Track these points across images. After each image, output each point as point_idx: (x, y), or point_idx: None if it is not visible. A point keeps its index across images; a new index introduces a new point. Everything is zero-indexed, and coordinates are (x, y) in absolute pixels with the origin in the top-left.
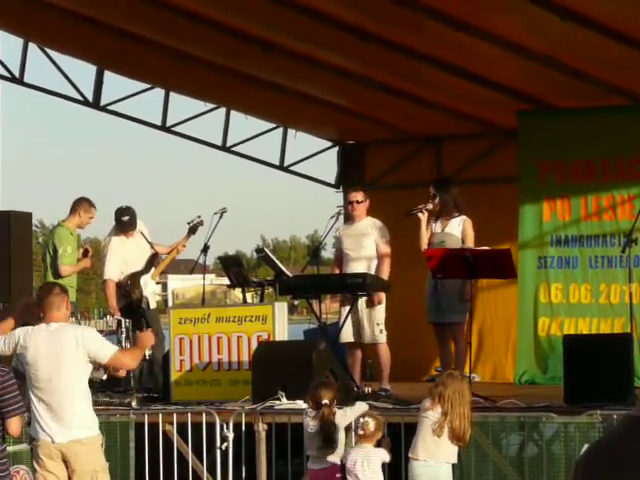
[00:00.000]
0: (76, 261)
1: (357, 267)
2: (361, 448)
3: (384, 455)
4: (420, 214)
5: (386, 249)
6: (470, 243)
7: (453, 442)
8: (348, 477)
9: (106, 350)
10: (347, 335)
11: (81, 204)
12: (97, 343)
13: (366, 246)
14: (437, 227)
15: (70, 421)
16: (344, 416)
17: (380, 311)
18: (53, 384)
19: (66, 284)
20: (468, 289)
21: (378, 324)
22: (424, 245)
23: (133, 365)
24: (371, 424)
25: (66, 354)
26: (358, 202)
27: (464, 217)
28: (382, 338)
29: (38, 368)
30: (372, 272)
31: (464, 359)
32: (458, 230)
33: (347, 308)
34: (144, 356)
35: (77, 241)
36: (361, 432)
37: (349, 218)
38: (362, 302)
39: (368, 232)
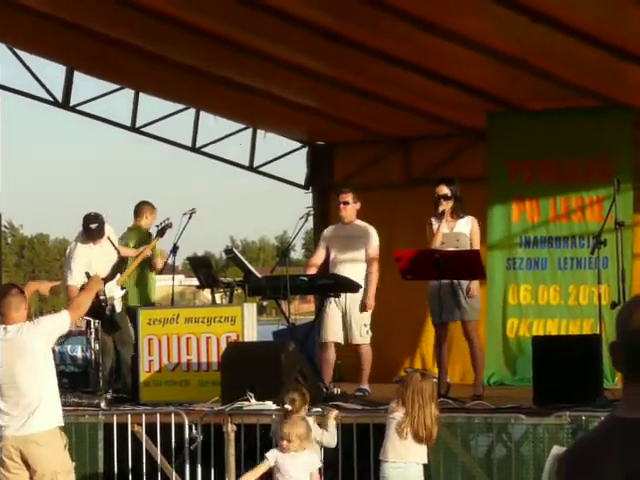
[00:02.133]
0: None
1: (344, 269)
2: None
3: (315, 462)
4: (442, 217)
5: (375, 253)
6: (477, 243)
7: (418, 442)
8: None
9: (59, 315)
10: (336, 335)
11: (145, 207)
12: (49, 318)
13: (355, 249)
14: (445, 228)
15: (28, 415)
16: (320, 434)
17: (368, 312)
18: (14, 381)
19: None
20: (476, 285)
21: (365, 325)
22: (435, 245)
23: (88, 301)
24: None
25: (27, 352)
26: (348, 203)
27: (471, 217)
28: (367, 339)
29: None
30: (361, 275)
31: (482, 357)
32: (467, 229)
33: (332, 307)
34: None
35: (147, 239)
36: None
37: (339, 220)
38: (349, 303)
39: (358, 235)
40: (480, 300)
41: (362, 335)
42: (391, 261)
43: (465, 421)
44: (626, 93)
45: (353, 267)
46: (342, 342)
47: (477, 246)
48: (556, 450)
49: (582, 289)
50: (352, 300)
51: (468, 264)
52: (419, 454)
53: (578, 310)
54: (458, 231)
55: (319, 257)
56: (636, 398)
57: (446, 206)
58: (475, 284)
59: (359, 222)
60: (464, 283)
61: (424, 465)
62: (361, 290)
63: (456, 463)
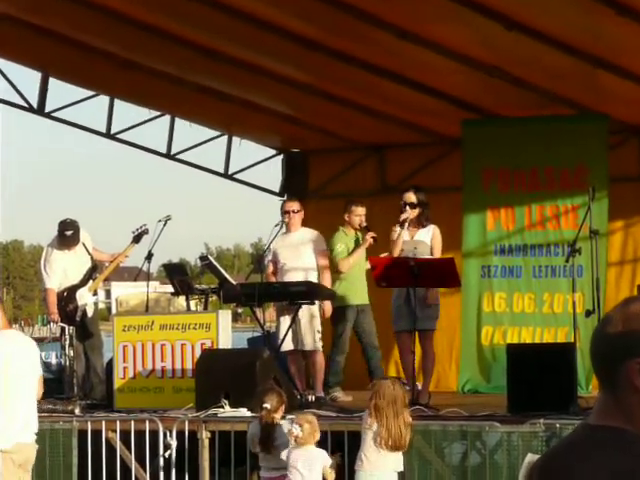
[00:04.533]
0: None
1: (294, 277)
2: (303, 449)
3: (326, 457)
4: (404, 223)
5: (324, 260)
6: (438, 251)
7: (393, 450)
8: (289, 475)
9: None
10: (287, 344)
11: (346, 206)
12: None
13: (304, 256)
14: (406, 235)
15: None
16: None
17: (319, 319)
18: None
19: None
20: (434, 293)
21: (318, 331)
22: (396, 253)
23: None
24: (305, 427)
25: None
26: (294, 212)
27: (433, 225)
28: (320, 346)
29: None
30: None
31: (432, 368)
32: (428, 238)
33: (286, 317)
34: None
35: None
36: (295, 436)
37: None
38: (302, 310)
39: (305, 242)
40: (439, 309)
41: (316, 342)
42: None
43: (439, 429)
44: (601, 101)
45: (303, 274)
46: (295, 349)
47: (438, 255)
48: (530, 458)
49: (557, 297)
50: (305, 307)
51: (443, 272)
52: (395, 463)
53: (552, 318)
54: (418, 239)
55: (272, 269)
56: (601, 404)
57: (412, 214)
58: (432, 293)
59: (305, 229)
60: (420, 292)
61: (399, 473)
62: None
63: (430, 471)
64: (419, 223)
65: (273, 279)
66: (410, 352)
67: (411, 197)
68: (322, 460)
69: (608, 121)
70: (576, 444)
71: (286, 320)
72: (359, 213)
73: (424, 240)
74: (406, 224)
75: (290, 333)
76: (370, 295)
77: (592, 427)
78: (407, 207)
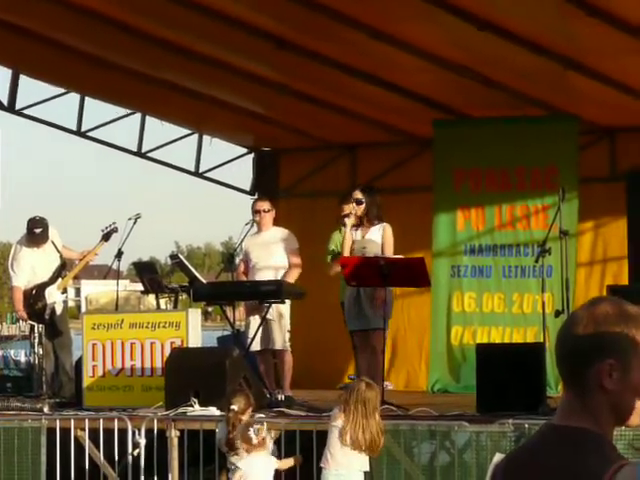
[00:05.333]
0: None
1: (265, 276)
2: (257, 455)
3: (274, 462)
4: (346, 219)
5: (296, 258)
6: (389, 249)
7: (358, 451)
8: None
9: None
10: (256, 343)
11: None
12: None
13: (275, 255)
14: (358, 234)
15: None
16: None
17: (288, 319)
18: None
19: None
20: (380, 294)
21: (288, 331)
22: (346, 251)
23: None
24: (262, 432)
25: None
26: (265, 211)
27: (385, 223)
28: (289, 345)
29: None
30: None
31: (382, 366)
32: (378, 236)
33: (255, 316)
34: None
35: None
36: (254, 442)
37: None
38: (272, 309)
39: (276, 241)
40: (391, 308)
41: (286, 341)
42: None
43: (408, 428)
44: (572, 102)
45: (273, 273)
46: (265, 349)
47: (389, 253)
48: (498, 458)
49: (526, 297)
50: (274, 306)
51: (413, 271)
52: (361, 462)
53: (522, 318)
54: (369, 238)
55: (243, 268)
56: (566, 405)
57: (358, 211)
58: (382, 292)
59: (276, 228)
60: (369, 291)
61: (366, 472)
62: None
63: (399, 470)
64: (369, 221)
65: (244, 278)
66: (363, 351)
67: (357, 194)
68: (272, 465)
69: (578, 122)
70: (540, 444)
71: (256, 319)
72: (345, 211)
73: (375, 239)
74: (348, 220)
75: (260, 332)
76: (329, 294)
77: (556, 427)
78: (353, 204)
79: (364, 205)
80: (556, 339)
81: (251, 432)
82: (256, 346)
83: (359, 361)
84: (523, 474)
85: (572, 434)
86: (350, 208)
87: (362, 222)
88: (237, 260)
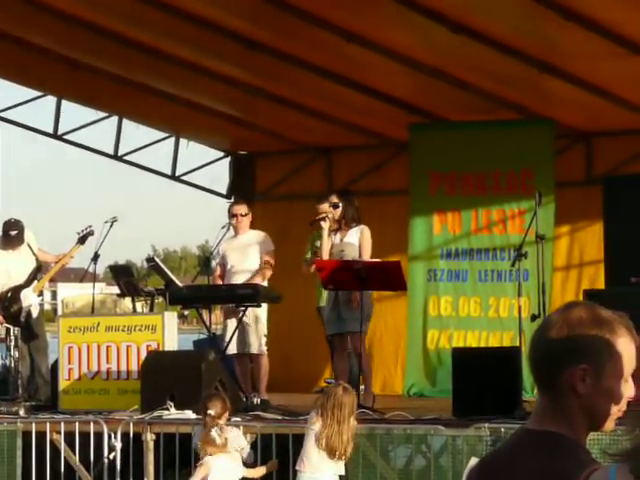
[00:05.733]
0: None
1: (242, 280)
2: (221, 456)
3: (243, 471)
4: (323, 222)
5: (269, 258)
6: (366, 252)
7: (331, 456)
8: None
9: None
10: (233, 347)
11: None
12: None
13: (251, 258)
14: (337, 238)
15: None
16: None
17: (265, 323)
18: None
19: None
20: (356, 297)
21: (264, 335)
22: (325, 254)
23: None
24: (225, 433)
25: None
26: (242, 215)
27: (363, 226)
28: (265, 349)
29: None
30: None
31: (369, 370)
32: (356, 239)
33: (232, 320)
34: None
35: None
36: (218, 442)
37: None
38: (248, 313)
39: (253, 244)
40: (371, 311)
41: (262, 345)
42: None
43: (384, 432)
44: (547, 106)
45: (250, 277)
46: (240, 353)
47: (367, 256)
48: (473, 462)
49: (502, 301)
50: (251, 310)
51: (389, 275)
52: (336, 466)
53: (498, 322)
54: (347, 241)
55: (219, 272)
56: (540, 409)
57: (335, 214)
58: (357, 295)
59: (253, 231)
60: (345, 295)
61: (341, 476)
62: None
63: (375, 474)
64: (346, 224)
65: (220, 281)
66: (340, 355)
67: (333, 198)
68: (239, 471)
69: (554, 126)
70: (514, 449)
71: (233, 322)
72: (319, 212)
73: (352, 242)
74: (325, 224)
75: (236, 336)
76: (306, 298)
77: (530, 432)
78: (330, 208)
79: (340, 208)
80: (530, 343)
81: (214, 433)
82: (233, 349)
83: (337, 365)
84: (497, 478)
85: (546, 438)
86: (324, 209)
87: (340, 225)
88: (214, 264)
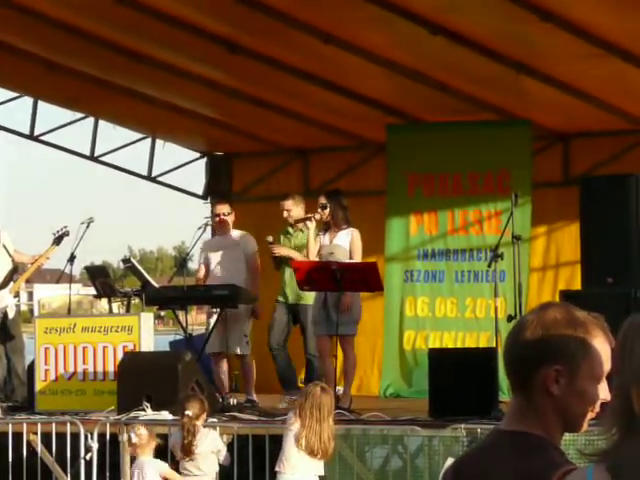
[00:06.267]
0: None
1: (225, 280)
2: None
3: (160, 466)
4: (309, 222)
5: (255, 261)
6: (357, 255)
7: (313, 456)
8: None
9: None
10: (212, 345)
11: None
12: None
13: (235, 258)
14: (325, 239)
15: None
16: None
17: (248, 323)
18: None
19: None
20: (345, 300)
21: (245, 335)
22: (312, 255)
23: None
24: (143, 434)
25: None
26: (225, 215)
27: (353, 229)
28: (248, 349)
29: None
30: (241, 284)
31: (353, 372)
32: (346, 241)
33: (214, 318)
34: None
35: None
36: (134, 441)
37: (215, 232)
38: (230, 313)
39: (236, 244)
40: (360, 313)
41: (242, 345)
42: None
43: (361, 433)
44: (524, 107)
45: (234, 277)
46: (220, 352)
47: (357, 258)
48: (450, 462)
49: (479, 302)
50: (232, 310)
51: (365, 276)
52: (315, 467)
53: (475, 323)
54: (337, 243)
55: (203, 272)
56: (513, 409)
57: (324, 215)
58: (348, 297)
59: (236, 231)
60: (335, 296)
61: (321, 477)
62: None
63: (352, 474)
64: (336, 226)
65: (203, 282)
66: (330, 356)
67: (321, 199)
68: (156, 467)
69: (531, 127)
70: (488, 449)
71: (213, 321)
72: (281, 209)
73: (342, 244)
74: (311, 224)
75: (217, 335)
76: (271, 292)
77: (503, 432)
78: (318, 209)
79: (328, 210)
80: (504, 343)
81: (131, 433)
82: (212, 348)
83: (324, 365)
84: (471, 479)
85: (519, 439)
86: (286, 206)
87: (329, 227)
88: (192, 264)
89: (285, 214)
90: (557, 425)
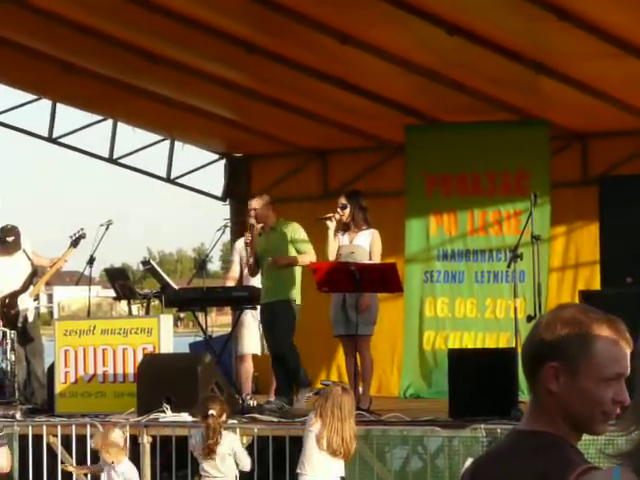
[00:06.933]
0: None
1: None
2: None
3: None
4: (329, 222)
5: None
6: (377, 256)
7: (334, 456)
8: None
9: None
10: (252, 347)
11: None
12: None
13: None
14: (345, 239)
15: None
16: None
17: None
18: None
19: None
20: (364, 300)
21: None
22: (331, 255)
23: None
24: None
25: None
26: (256, 210)
27: (373, 230)
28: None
29: None
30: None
31: (370, 372)
32: (367, 242)
33: (248, 319)
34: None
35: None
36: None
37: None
38: (249, 314)
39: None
40: (377, 314)
41: (264, 346)
42: (307, 272)
43: (381, 433)
44: (542, 107)
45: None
46: (259, 353)
47: (377, 259)
48: (469, 463)
49: (499, 302)
50: (250, 311)
51: (385, 277)
52: (336, 468)
53: (494, 323)
54: (357, 244)
55: (235, 270)
56: (529, 409)
57: (341, 215)
58: (366, 298)
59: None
60: (354, 297)
61: (342, 478)
62: None
63: (372, 475)
64: (357, 226)
65: (231, 284)
66: (350, 356)
67: (342, 199)
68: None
69: (550, 127)
70: (505, 449)
71: (247, 322)
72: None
73: (362, 245)
74: (331, 224)
75: (244, 336)
76: (311, 297)
77: (520, 432)
78: (338, 209)
79: (348, 210)
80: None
81: (118, 435)
82: (240, 350)
83: (347, 366)
84: (490, 479)
85: (534, 438)
86: (254, 204)
87: (349, 227)
88: (210, 266)
89: (252, 213)
90: (565, 424)
